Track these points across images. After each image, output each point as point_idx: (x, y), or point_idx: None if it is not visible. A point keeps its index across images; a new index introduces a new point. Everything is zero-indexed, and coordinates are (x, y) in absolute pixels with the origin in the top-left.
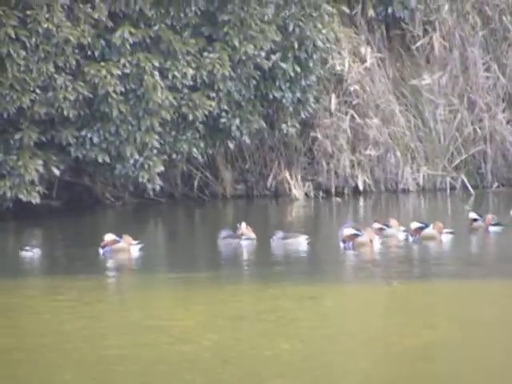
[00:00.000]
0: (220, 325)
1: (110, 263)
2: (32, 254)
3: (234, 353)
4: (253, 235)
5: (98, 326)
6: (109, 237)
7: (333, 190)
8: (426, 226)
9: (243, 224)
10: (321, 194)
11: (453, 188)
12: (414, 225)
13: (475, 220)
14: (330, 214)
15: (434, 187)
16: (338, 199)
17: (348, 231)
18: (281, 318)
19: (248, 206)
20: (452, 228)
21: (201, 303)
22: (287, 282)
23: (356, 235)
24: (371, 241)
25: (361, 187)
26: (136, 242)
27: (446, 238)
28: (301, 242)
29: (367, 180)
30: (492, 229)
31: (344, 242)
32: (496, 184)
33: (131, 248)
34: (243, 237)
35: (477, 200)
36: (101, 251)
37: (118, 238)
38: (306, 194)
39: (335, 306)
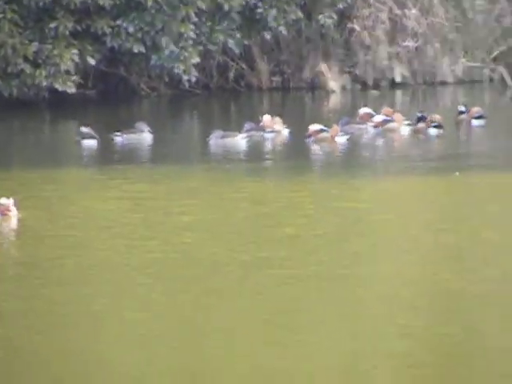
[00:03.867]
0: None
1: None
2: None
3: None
4: (277, 127)
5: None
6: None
7: (370, 82)
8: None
9: (266, 116)
10: (357, 86)
11: (491, 80)
12: (379, 118)
13: (462, 112)
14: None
15: (472, 79)
16: (375, 92)
17: (314, 127)
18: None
19: (284, 98)
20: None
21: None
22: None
23: (321, 130)
24: (333, 137)
25: (398, 79)
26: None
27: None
28: (238, 141)
29: (404, 72)
30: (475, 122)
31: (308, 136)
32: None
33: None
34: (267, 129)
35: None
36: None
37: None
38: (343, 87)
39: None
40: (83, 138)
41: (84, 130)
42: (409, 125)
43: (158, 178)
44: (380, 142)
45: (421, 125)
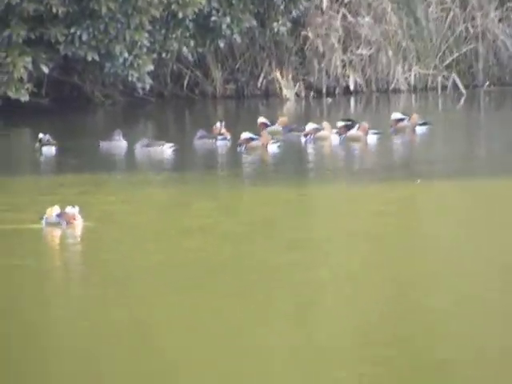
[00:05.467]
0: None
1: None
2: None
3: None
4: (229, 135)
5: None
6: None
7: (324, 89)
8: (352, 126)
9: (218, 124)
10: (312, 93)
11: (444, 87)
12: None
13: (400, 120)
14: (320, 115)
15: (426, 87)
16: (329, 99)
17: (244, 135)
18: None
19: (238, 106)
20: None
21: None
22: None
23: (251, 139)
24: (264, 145)
25: (352, 87)
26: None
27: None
28: (165, 150)
29: (358, 80)
30: (418, 129)
31: (240, 145)
32: (487, 83)
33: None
34: (219, 137)
35: (467, 99)
36: None
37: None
38: (297, 94)
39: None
40: (43, 144)
41: (43, 136)
42: (337, 133)
43: (140, 185)
44: (311, 150)
45: (356, 132)
